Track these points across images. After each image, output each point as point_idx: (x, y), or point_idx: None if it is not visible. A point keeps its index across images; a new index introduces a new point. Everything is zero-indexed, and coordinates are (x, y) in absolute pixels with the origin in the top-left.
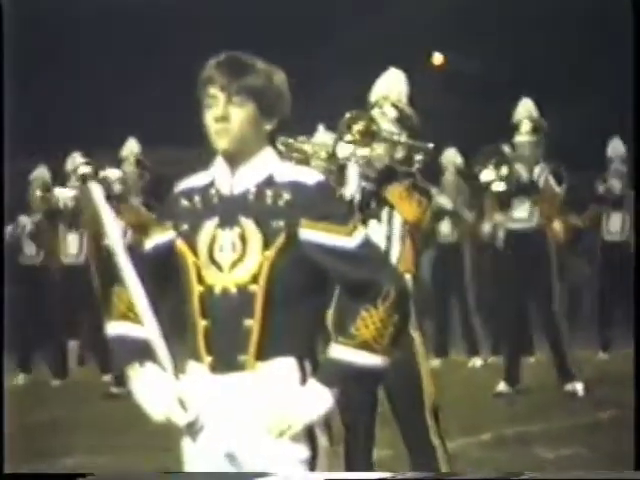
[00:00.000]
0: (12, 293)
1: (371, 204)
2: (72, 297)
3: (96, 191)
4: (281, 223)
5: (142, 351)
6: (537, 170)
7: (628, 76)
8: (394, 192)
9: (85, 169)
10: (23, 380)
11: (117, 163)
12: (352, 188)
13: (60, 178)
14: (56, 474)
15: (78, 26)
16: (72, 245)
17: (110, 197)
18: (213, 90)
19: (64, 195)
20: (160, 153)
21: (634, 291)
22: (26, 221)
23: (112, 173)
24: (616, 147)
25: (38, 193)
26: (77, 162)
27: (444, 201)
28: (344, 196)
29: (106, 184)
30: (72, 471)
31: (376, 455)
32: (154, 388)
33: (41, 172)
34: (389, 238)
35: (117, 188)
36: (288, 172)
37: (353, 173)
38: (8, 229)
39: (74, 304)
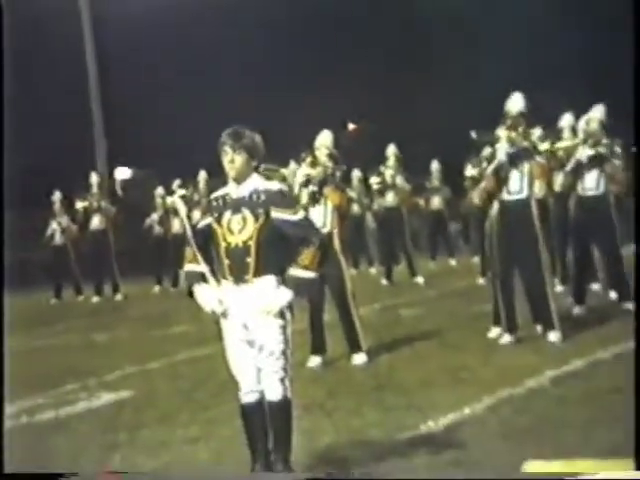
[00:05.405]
0: (144, 253)
1: (316, 197)
2: (171, 250)
3: (179, 204)
4: (261, 210)
5: (199, 277)
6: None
7: None
8: (327, 191)
9: (180, 192)
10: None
11: (193, 185)
12: (295, 190)
13: (169, 191)
14: (56, 474)
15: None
16: (176, 225)
17: (187, 203)
18: (226, 148)
19: (172, 201)
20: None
21: (635, 291)
22: (154, 216)
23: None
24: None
25: (159, 200)
26: (175, 188)
27: (352, 193)
28: (294, 195)
29: (186, 199)
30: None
31: (325, 317)
32: (206, 295)
33: (159, 190)
34: (325, 214)
35: (193, 199)
36: (264, 185)
37: (296, 183)
38: (147, 220)
39: (170, 254)
